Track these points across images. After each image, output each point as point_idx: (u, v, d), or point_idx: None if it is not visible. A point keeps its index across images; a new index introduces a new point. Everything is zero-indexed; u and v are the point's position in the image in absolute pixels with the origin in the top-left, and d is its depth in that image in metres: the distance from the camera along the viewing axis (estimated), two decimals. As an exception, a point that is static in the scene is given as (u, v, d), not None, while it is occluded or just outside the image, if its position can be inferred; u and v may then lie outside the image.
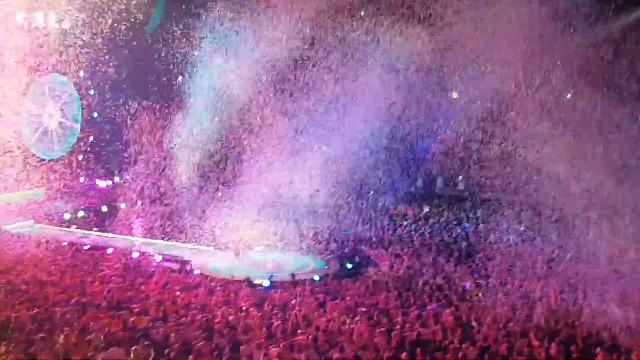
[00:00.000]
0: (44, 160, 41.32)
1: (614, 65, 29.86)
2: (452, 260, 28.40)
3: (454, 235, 33.57)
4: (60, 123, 44.06)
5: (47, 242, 30.58)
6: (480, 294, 23.21)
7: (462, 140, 37.50)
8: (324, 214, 35.23)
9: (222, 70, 36.35)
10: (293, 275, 26.33)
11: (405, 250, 30.23)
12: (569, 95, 31.24)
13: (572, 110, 29.29)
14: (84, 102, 44.05)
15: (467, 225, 35.38)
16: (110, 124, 44.39)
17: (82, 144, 44.23)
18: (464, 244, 31.79)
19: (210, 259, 30.27)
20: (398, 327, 18.70)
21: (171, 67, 38.31)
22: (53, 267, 25.60)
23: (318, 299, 22.27)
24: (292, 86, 37.07)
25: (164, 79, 39.72)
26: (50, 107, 43.33)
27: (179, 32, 37.30)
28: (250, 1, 35.88)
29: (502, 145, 33.53)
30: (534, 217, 34.17)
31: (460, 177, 42.14)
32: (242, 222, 32.71)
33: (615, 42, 30.93)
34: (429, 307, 21.45)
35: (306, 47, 36.78)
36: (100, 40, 38.58)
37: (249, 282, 25.19)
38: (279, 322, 18.93)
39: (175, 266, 28.17)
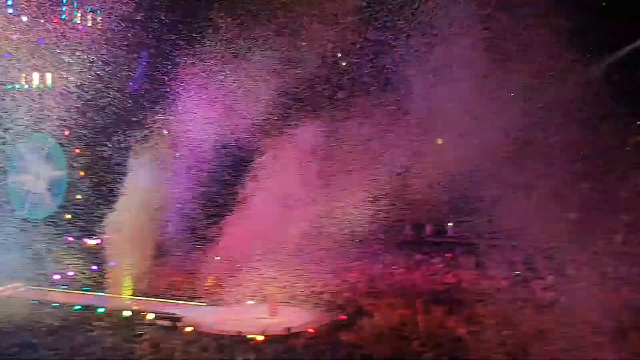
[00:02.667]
0: (30, 220, 41.08)
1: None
2: (445, 308, 28.23)
3: (445, 282, 33.39)
4: (45, 182, 43.82)
5: (37, 303, 30.25)
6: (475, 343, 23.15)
7: (451, 185, 37.41)
8: (313, 261, 35.02)
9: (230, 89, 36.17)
10: (289, 328, 26.05)
11: (398, 299, 30.02)
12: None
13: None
14: (68, 158, 43.86)
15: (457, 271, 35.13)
16: (97, 178, 44.13)
17: (69, 202, 43.99)
18: (456, 291, 31.63)
19: (203, 315, 30.06)
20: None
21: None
22: (44, 328, 25.26)
23: (314, 352, 22.07)
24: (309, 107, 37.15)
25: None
26: (34, 167, 43.08)
27: (181, 47, 36.79)
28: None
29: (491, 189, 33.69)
30: (526, 261, 34.25)
31: (450, 224, 42.08)
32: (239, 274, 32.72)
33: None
34: (424, 357, 21.31)
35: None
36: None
37: (242, 337, 24.90)
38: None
39: (168, 323, 27.86)
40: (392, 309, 28.34)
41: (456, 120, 34.69)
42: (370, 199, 34.73)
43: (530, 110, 32.58)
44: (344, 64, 39.18)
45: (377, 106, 35.91)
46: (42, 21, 36.25)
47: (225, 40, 35.57)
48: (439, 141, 39.09)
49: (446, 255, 38.29)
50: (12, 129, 38.84)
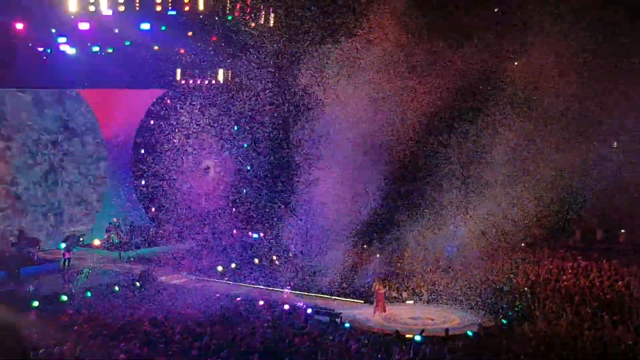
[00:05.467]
0: (199, 213, 42.52)
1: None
2: (613, 317, 26.82)
3: (614, 289, 31.77)
4: (214, 177, 45.39)
5: (200, 293, 31.15)
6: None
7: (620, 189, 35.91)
8: (478, 264, 34.33)
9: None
10: (447, 330, 25.53)
11: (565, 305, 28.80)
12: None
13: None
14: (238, 156, 45.20)
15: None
16: (261, 176, 45.13)
17: (236, 197, 45.28)
18: (625, 298, 30.08)
19: (362, 312, 30.05)
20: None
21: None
22: (205, 318, 25.93)
23: (472, 355, 21.53)
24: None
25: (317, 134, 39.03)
26: (205, 162, 44.81)
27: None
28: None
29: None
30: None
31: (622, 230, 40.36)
32: (392, 275, 32.67)
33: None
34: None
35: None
36: (254, 92, 39.40)
37: (399, 336, 24.61)
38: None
39: (326, 319, 28.01)
40: (557, 316, 27.20)
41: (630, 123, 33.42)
42: (539, 202, 33.82)
43: None
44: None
45: (549, 109, 35.10)
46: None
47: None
48: (615, 144, 37.78)
49: (616, 262, 36.42)
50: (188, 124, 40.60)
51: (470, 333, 25.64)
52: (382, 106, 35.25)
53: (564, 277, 33.91)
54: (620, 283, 32.50)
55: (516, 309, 29.21)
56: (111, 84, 38.80)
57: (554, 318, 26.97)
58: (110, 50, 36.80)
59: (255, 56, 39.00)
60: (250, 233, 42.64)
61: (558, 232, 41.12)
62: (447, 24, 38.78)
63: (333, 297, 32.37)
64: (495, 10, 39.90)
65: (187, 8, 35.41)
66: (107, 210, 42.77)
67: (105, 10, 33.33)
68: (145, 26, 35.37)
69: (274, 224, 40.90)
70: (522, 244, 36.68)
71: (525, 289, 31.87)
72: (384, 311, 29.90)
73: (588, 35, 33.56)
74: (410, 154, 38.17)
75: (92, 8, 32.91)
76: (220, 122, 42.51)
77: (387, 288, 31.30)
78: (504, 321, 27.75)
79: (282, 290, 32.73)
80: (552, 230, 40.09)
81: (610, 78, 33.44)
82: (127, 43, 36.73)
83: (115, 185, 43.05)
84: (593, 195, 38.07)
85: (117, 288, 31.96)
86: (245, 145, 45.12)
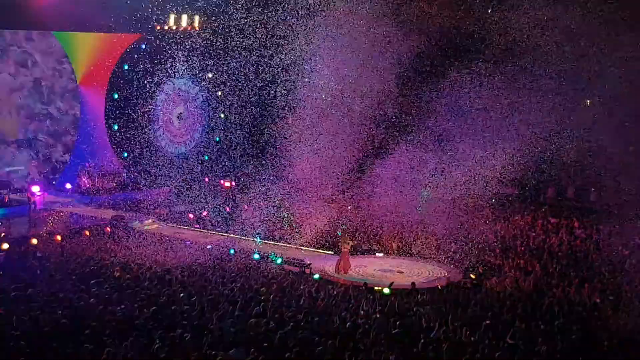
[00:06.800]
0: (171, 160, 42.34)
1: None
2: (581, 274, 27.09)
3: (583, 248, 32.01)
4: (187, 124, 45.21)
5: (171, 240, 31.12)
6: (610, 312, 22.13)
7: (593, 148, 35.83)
8: (445, 220, 34.36)
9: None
10: (413, 283, 25.67)
11: (532, 261, 29.05)
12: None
13: None
14: (212, 105, 45.00)
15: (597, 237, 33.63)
16: (238, 125, 44.84)
17: (208, 144, 45.12)
18: (594, 257, 30.26)
19: (330, 264, 30.12)
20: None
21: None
22: (176, 265, 25.91)
23: (439, 307, 21.66)
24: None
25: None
26: (179, 109, 44.60)
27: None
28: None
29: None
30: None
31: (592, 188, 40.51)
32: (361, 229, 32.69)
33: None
34: (556, 324, 20.51)
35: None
36: (230, 39, 39.12)
37: (368, 288, 24.76)
38: (398, 330, 18.43)
39: (296, 269, 28.12)
40: (525, 273, 27.43)
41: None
42: (512, 160, 33.84)
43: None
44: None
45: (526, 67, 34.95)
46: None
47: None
48: (588, 102, 37.76)
49: (586, 220, 36.67)
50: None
51: (438, 287, 25.89)
52: (364, 61, 34.97)
53: (534, 233, 34.19)
54: (589, 242, 32.82)
55: (484, 264, 29.45)
56: (86, 27, 38.25)
57: (522, 274, 27.20)
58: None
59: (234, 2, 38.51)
60: (221, 181, 42.47)
61: (530, 189, 41.29)
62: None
63: (303, 248, 32.50)
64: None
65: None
66: (78, 154, 42.40)
67: (80, -48, 32.80)
68: (120, -31, 34.90)
69: (247, 172, 40.77)
70: (493, 200, 36.66)
71: (494, 244, 32.11)
72: (347, 271, 29.69)
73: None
74: (388, 110, 37.96)
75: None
76: (195, 69, 42.18)
77: (355, 242, 31.32)
78: (472, 276, 27.98)
79: (252, 239, 32.80)
80: (524, 188, 40.28)
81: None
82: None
83: (87, 129, 42.56)
84: (567, 153, 38.05)
85: (88, 232, 31.90)
86: (220, 94, 44.82)
